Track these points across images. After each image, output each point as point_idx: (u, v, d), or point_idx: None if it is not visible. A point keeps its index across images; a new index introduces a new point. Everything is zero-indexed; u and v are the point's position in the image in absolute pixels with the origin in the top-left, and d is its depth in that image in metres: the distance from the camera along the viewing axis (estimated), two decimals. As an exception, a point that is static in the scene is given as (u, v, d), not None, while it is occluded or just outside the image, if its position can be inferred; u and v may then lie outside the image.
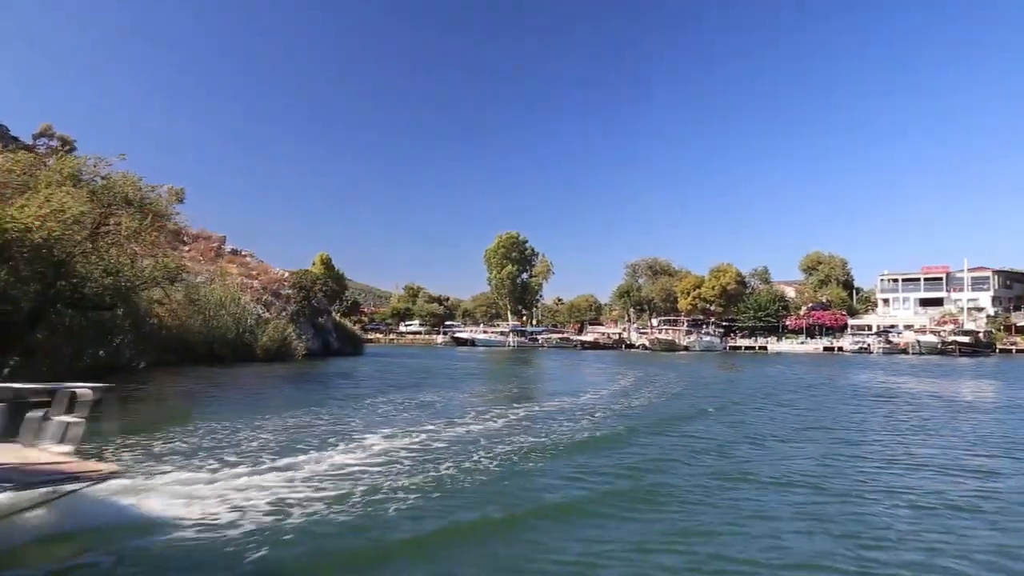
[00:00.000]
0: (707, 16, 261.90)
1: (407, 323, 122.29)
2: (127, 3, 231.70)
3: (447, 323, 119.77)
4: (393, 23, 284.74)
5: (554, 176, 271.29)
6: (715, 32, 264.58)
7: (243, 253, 42.74)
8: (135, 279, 19.50)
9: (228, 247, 42.40)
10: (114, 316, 20.80)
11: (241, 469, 7.89)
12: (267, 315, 35.68)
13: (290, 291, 37.10)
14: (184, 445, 9.27)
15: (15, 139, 42.46)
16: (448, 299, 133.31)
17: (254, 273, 38.92)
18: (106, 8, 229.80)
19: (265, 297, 37.10)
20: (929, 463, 9.53)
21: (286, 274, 39.03)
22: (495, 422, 12.85)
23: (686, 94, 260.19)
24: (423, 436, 10.84)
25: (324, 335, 39.27)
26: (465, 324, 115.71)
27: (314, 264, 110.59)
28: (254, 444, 9.67)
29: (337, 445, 9.81)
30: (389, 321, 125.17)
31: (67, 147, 44.98)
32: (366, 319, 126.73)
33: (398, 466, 8.53)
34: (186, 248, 40.26)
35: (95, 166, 19.89)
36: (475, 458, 9.11)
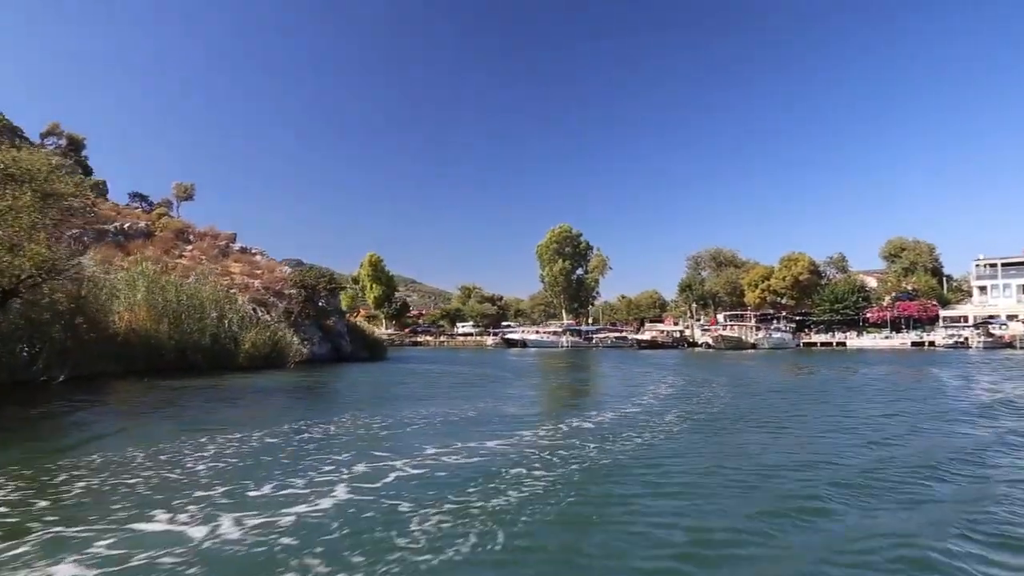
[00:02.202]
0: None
1: (462, 324, 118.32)
2: None
3: (504, 324, 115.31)
4: (440, 16, 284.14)
5: (614, 169, 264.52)
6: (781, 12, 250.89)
7: (252, 252, 39.43)
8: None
9: (237, 245, 39.18)
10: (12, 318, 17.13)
11: None
12: (266, 317, 32.06)
13: (292, 291, 33.28)
14: None
15: (22, 137, 40.75)
16: (502, 299, 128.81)
17: (258, 272, 35.40)
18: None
19: (268, 298, 33.48)
20: None
21: (288, 271, 35.30)
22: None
23: (749, 71, 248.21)
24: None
25: (335, 339, 35.31)
26: (523, 325, 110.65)
27: (362, 265, 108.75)
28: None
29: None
30: (442, 323, 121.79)
31: (74, 146, 43.09)
32: (416, 322, 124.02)
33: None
34: (189, 247, 37.31)
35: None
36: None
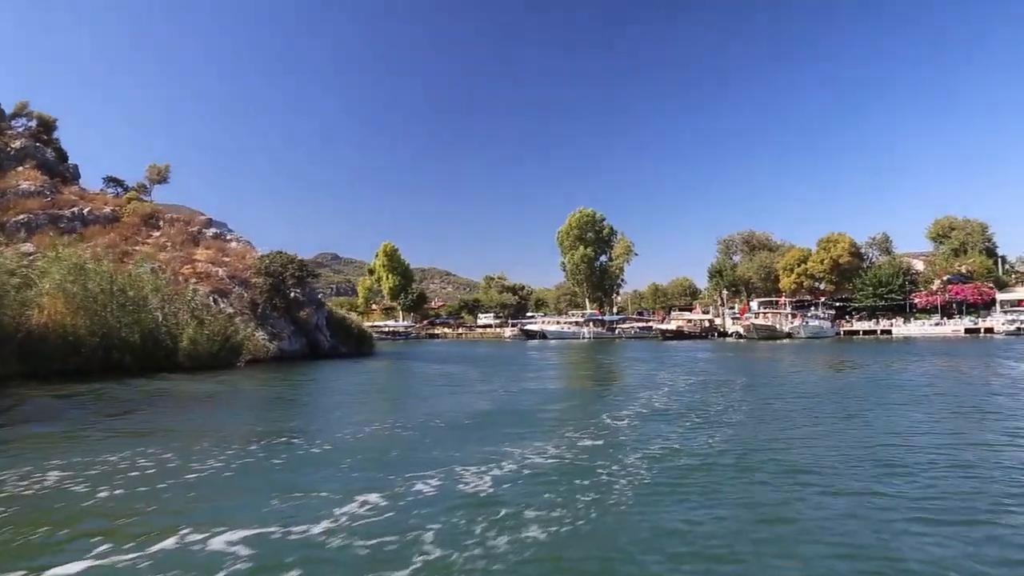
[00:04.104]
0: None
1: (484, 315, 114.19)
2: None
3: (528, 314, 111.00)
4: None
5: (647, 155, 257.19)
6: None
7: (227, 237, 35.95)
8: None
9: (211, 231, 35.72)
10: None
11: None
12: (228, 309, 28.53)
13: (257, 280, 29.62)
14: None
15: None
16: (523, 288, 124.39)
17: (226, 259, 31.88)
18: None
19: (233, 288, 29.94)
20: None
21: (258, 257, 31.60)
22: None
23: (787, 46, 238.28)
24: None
25: (311, 333, 31.59)
26: (546, 315, 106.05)
27: (377, 255, 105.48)
28: None
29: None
30: (463, 315, 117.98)
31: (45, 127, 40.18)
32: (434, 313, 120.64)
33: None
34: (157, 233, 33.99)
35: None
36: None
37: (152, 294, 23.70)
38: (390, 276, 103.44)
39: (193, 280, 29.16)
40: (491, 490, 6.17)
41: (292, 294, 30.27)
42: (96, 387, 16.37)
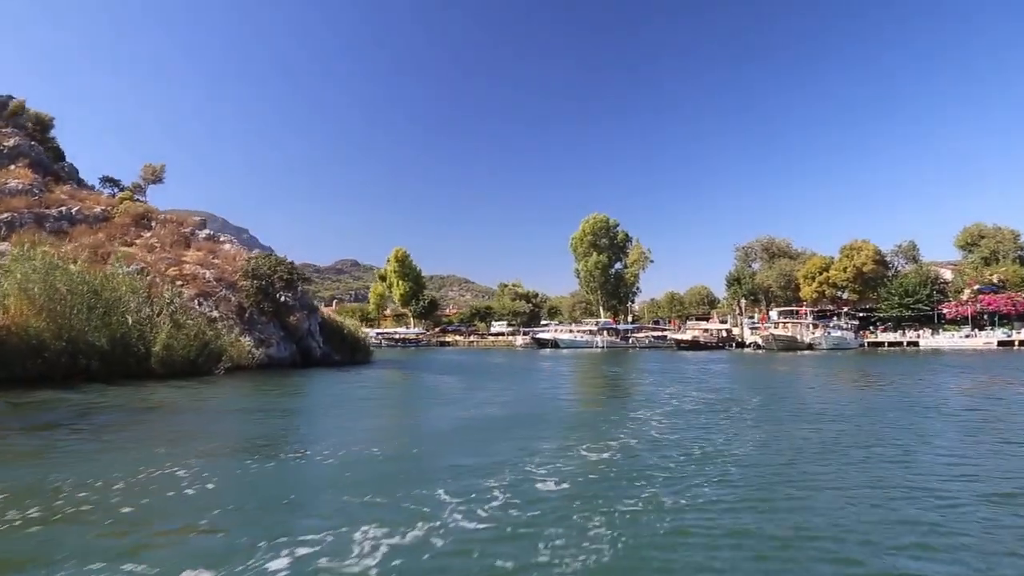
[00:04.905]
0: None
1: (497, 322, 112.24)
2: None
3: (543, 322, 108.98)
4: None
5: (666, 159, 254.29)
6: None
7: (221, 239, 34.71)
8: None
9: (204, 232, 34.50)
10: None
11: None
12: (214, 313, 27.17)
13: (244, 282, 28.19)
14: None
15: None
16: (537, 295, 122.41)
17: (215, 261, 30.56)
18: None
19: (220, 291, 28.59)
20: None
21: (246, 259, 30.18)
22: None
23: (811, 47, 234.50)
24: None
25: (302, 339, 30.08)
26: (562, 323, 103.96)
27: (388, 260, 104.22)
28: None
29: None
30: (476, 323, 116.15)
31: (41, 127, 39.36)
32: (447, 320, 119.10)
33: None
34: (148, 233, 32.81)
35: None
36: None
37: (129, 296, 22.33)
38: (401, 282, 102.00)
39: (178, 283, 27.90)
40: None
41: (282, 298, 28.81)
42: (45, 396, 14.93)
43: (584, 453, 8.69)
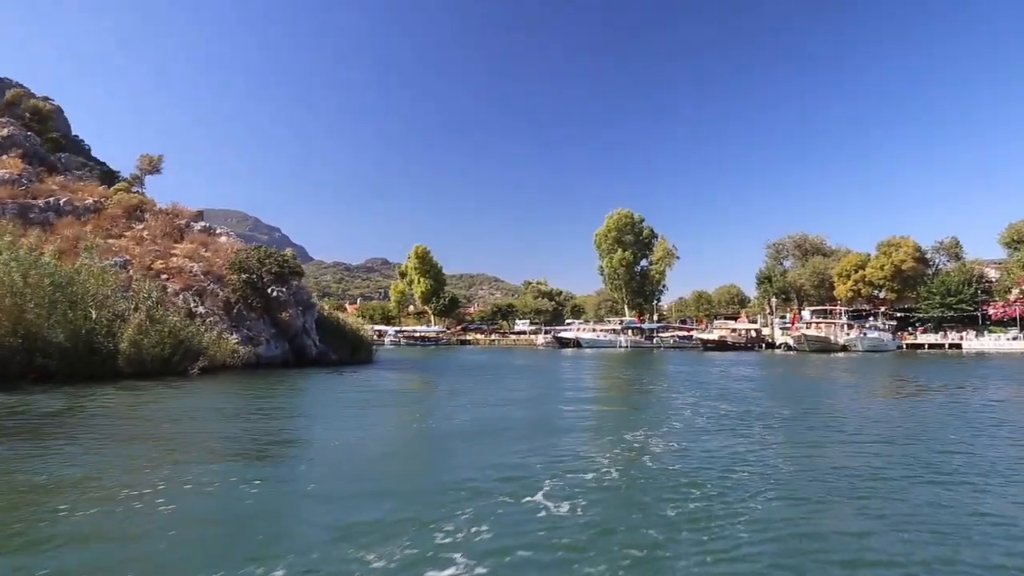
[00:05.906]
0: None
1: (521, 320, 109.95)
2: None
3: (567, 321, 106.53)
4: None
5: (697, 155, 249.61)
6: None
7: (217, 232, 33.16)
8: None
9: (199, 224, 33.00)
10: None
11: None
12: (200, 309, 25.53)
13: (232, 276, 26.47)
14: None
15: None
16: (560, 293, 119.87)
17: (205, 254, 28.97)
18: None
19: (207, 285, 26.97)
20: None
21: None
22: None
23: (851, 41, 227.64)
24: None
25: (296, 337, 28.30)
26: (585, 321, 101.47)
27: (408, 257, 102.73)
28: None
29: None
30: (499, 321, 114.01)
31: (39, 116, 38.38)
32: (469, 318, 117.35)
33: None
34: (139, 225, 31.40)
35: None
36: None
37: (97, 289, 20.68)
38: (422, 279, 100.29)
39: (163, 276, 26.35)
40: None
41: (273, 292, 27.06)
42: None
43: (557, 484, 6.47)
